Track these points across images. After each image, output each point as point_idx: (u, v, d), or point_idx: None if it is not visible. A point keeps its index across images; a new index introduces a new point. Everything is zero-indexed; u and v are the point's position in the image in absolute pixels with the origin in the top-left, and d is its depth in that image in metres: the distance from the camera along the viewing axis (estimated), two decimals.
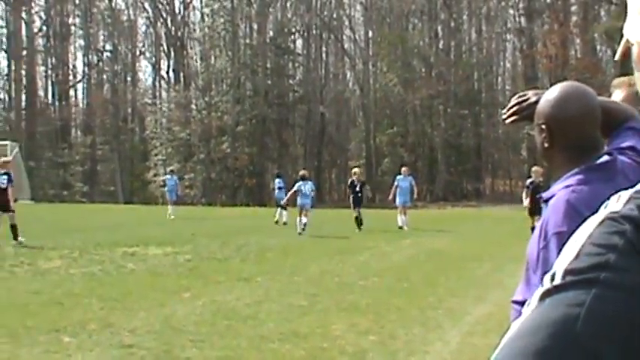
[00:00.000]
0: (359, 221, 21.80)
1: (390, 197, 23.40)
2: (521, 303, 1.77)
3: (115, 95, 61.61)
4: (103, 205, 41.29)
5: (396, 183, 23.22)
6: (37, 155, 56.30)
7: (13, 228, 15.52)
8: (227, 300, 8.89)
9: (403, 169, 23.99)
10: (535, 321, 0.66)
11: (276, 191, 25.62)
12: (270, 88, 53.20)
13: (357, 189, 22.70)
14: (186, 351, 6.31)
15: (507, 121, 2.19)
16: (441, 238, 18.89)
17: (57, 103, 63.45)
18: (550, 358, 0.60)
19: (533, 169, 19.43)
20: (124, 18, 63.09)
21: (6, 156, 41.81)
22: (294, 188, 21.13)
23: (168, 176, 29.84)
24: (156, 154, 52.53)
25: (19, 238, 15.40)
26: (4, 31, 62.84)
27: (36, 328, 6.97)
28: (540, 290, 0.69)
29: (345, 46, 60.33)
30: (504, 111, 2.20)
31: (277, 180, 26.43)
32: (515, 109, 2.17)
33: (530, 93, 2.17)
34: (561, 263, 0.70)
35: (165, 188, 29.01)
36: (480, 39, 57.75)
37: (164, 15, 61.78)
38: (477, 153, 54.68)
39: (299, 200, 20.48)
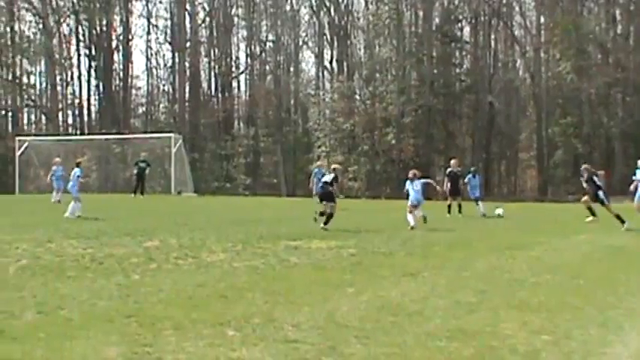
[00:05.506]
0: (451, 209, 24.23)
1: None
2: None
3: (277, 86, 61.86)
4: (266, 198, 42.17)
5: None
6: (200, 147, 57.79)
7: (330, 217, 17.81)
8: (392, 295, 8.71)
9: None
10: None
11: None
12: (436, 78, 52.58)
13: (456, 179, 25.23)
14: (351, 347, 6.20)
15: None
16: (618, 235, 17.87)
17: (220, 95, 64.04)
18: None
19: None
20: (287, 8, 63.22)
21: (170, 148, 44.25)
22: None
23: (316, 169, 29.90)
24: (319, 146, 52.76)
25: (326, 226, 17.53)
26: (169, 23, 65.08)
27: (200, 321, 7.05)
28: None
29: (515, 32, 58.54)
30: None
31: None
32: None
33: None
34: None
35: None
36: None
37: (327, 4, 61.70)
38: None
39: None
